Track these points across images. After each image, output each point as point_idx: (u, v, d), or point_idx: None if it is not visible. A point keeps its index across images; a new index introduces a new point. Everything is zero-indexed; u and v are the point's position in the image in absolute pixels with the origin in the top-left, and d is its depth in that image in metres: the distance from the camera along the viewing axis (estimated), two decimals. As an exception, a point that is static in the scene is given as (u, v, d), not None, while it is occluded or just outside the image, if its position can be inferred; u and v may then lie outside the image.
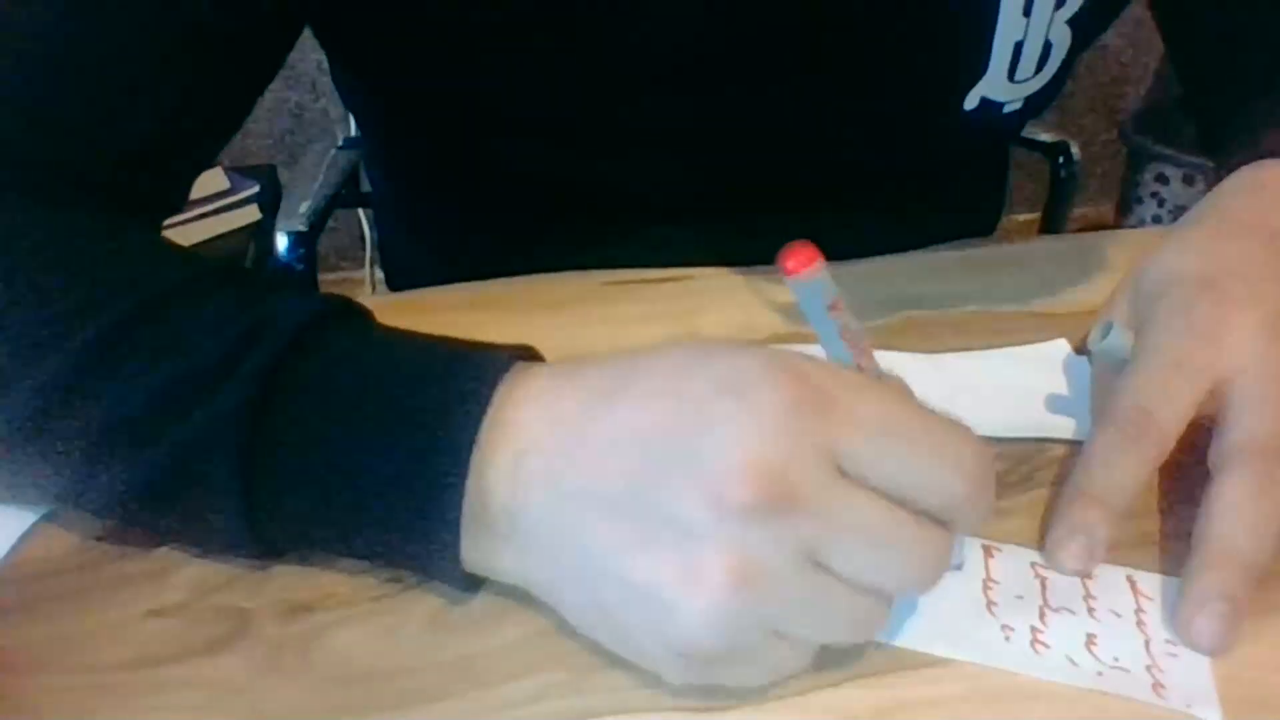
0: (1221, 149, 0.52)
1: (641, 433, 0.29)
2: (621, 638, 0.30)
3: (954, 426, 0.29)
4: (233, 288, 0.36)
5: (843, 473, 0.28)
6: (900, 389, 0.31)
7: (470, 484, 0.31)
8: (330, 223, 0.97)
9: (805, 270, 0.28)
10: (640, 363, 0.31)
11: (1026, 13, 0.48)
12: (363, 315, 0.36)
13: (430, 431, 0.31)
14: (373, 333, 0.35)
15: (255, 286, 0.36)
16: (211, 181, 1.42)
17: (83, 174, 0.42)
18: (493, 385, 0.31)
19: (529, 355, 0.34)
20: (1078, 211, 2.09)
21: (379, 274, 1.43)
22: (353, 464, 0.31)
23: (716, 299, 0.52)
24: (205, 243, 1.42)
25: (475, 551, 0.32)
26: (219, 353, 0.32)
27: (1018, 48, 0.50)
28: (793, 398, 0.28)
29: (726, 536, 0.27)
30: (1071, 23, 0.50)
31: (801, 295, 0.29)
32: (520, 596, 0.33)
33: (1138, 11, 0.60)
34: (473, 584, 0.33)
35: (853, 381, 0.29)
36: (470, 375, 0.32)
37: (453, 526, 0.31)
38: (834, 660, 0.31)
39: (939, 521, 0.29)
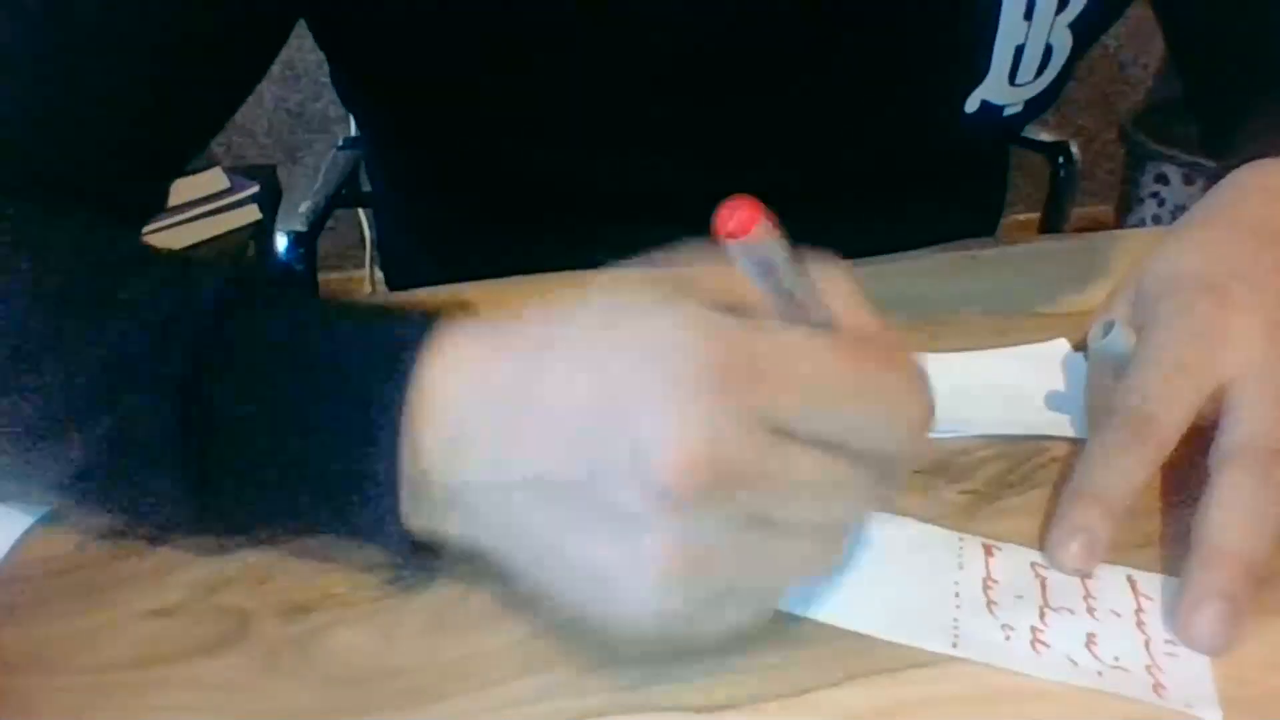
0: (1223, 148, 0.52)
1: (571, 415, 0.28)
2: (572, 608, 0.30)
3: (893, 368, 0.29)
4: (159, 273, 0.35)
5: (778, 434, 0.27)
6: (866, 327, 0.30)
7: (406, 457, 0.30)
8: (330, 223, 0.97)
9: (747, 235, 0.24)
10: (561, 328, 0.30)
11: (1028, 16, 0.48)
12: (282, 291, 0.35)
13: (356, 402, 0.31)
14: (293, 303, 0.34)
15: (183, 265, 0.36)
16: (211, 181, 1.42)
17: (61, 177, 0.42)
18: (415, 351, 0.31)
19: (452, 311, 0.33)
20: (1078, 211, 2.09)
21: (379, 274, 1.43)
22: (282, 442, 0.31)
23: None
24: (205, 243, 1.43)
25: (421, 519, 0.32)
26: (140, 344, 0.32)
27: (1019, 51, 0.50)
28: (716, 368, 0.27)
29: (669, 525, 0.27)
30: (1073, 26, 0.50)
31: (743, 262, 0.25)
32: (519, 596, 0.33)
33: (1138, 11, 0.60)
34: (424, 550, 0.33)
35: (779, 340, 0.28)
36: (393, 343, 0.31)
37: (389, 498, 0.31)
38: (834, 660, 0.31)
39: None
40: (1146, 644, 0.32)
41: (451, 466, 0.30)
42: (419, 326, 0.31)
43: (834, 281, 0.30)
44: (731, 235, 0.24)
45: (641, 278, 0.30)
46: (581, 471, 0.28)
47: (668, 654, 0.31)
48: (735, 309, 0.29)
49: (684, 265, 0.30)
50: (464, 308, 0.33)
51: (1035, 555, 0.35)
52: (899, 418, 0.29)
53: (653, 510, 0.27)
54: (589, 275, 0.55)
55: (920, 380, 0.29)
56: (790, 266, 0.27)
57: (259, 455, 0.32)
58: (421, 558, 0.33)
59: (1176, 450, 0.36)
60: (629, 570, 0.27)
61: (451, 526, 0.32)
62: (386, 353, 0.31)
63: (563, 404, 0.29)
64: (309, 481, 0.32)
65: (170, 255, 0.37)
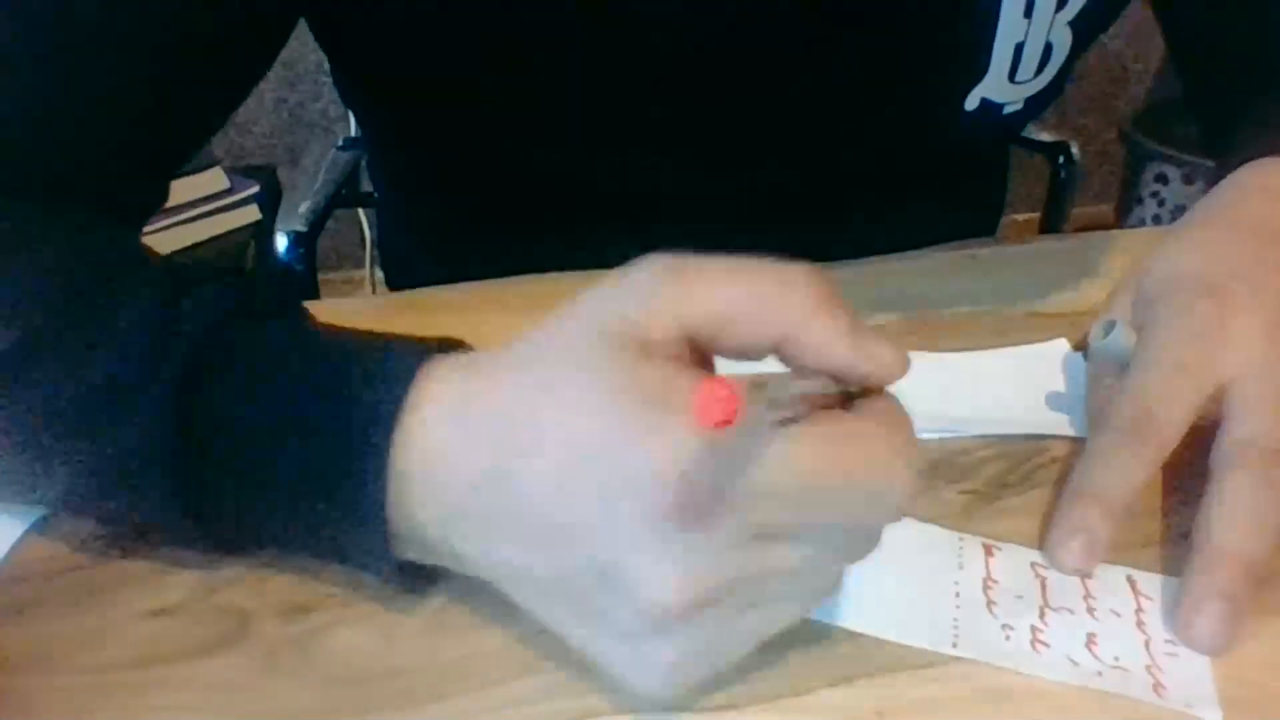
0: (1223, 148, 0.52)
1: (551, 525, 0.28)
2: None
3: (873, 458, 0.27)
4: (156, 282, 0.35)
5: (759, 536, 0.27)
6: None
7: (401, 522, 0.30)
8: (330, 223, 0.97)
9: (734, 420, 0.22)
10: (536, 426, 0.28)
11: (1028, 14, 0.48)
12: (280, 310, 0.35)
13: (337, 464, 0.30)
14: (284, 332, 0.34)
15: (180, 280, 0.35)
16: (211, 181, 1.42)
17: (61, 176, 0.42)
18: (398, 402, 0.30)
19: (446, 345, 0.33)
20: (1078, 211, 2.09)
21: (379, 274, 1.43)
22: (271, 475, 0.31)
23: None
24: (205, 243, 1.42)
25: (419, 558, 0.32)
26: (137, 356, 0.32)
27: (1018, 49, 0.50)
28: (689, 507, 0.26)
29: (666, 636, 0.27)
30: (1073, 24, 0.50)
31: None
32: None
33: (1138, 11, 0.60)
34: (420, 585, 0.33)
35: (758, 458, 0.26)
36: (376, 391, 0.31)
37: (379, 542, 0.31)
38: (834, 660, 0.31)
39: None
40: (1146, 644, 0.32)
41: (444, 537, 0.30)
42: (401, 378, 0.31)
43: (815, 341, 0.29)
44: (718, 426, 0.23)
45: (614, 367, 0.28)
46: (568, 579, 0.28)
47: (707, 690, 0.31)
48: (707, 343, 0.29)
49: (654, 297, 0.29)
50: (449, 343, 0.33)
51: (1035, 555, 0.35)
52: (877, 503, 0.28)
53: (648, 625, 0.27)
54: (588, 275, 0.55)
55: (900, 450, 0.28)
56: (769, 387, 0.26)
57: (245, 492, 0.32)
58: (413, 582, 0.33)
59: (1177, 450, 0.36)
60: (630, 666, 0.28)
61: (450, 567, 0.32)
62: (368, 404, 0.30)
63: (539, 512, 0.28)
64: (300, 505, 0.32)
65: (168, 266, 0.37)
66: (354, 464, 0.30)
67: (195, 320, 0.32)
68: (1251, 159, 0.46)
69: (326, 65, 0.57)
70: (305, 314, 0.36)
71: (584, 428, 0.27)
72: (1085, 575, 0.34)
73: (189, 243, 1.41)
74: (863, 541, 0.29)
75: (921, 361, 0.46)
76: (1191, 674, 0.31)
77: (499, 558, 0.29)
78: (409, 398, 0.30)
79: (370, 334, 0.33)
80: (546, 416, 0.28)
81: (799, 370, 0.29)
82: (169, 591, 0.34)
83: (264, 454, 0.31)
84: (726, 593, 0.27)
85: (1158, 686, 0.31)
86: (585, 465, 0.27)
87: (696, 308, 0.28)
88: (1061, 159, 1.09)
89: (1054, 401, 0.44)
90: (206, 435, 0.31)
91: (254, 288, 0.35)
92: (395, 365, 0.31)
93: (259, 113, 1.81)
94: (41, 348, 0.33)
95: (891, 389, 0.30)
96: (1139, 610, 0.33)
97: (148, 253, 0.38)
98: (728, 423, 0.22)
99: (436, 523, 0.30)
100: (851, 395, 0.29)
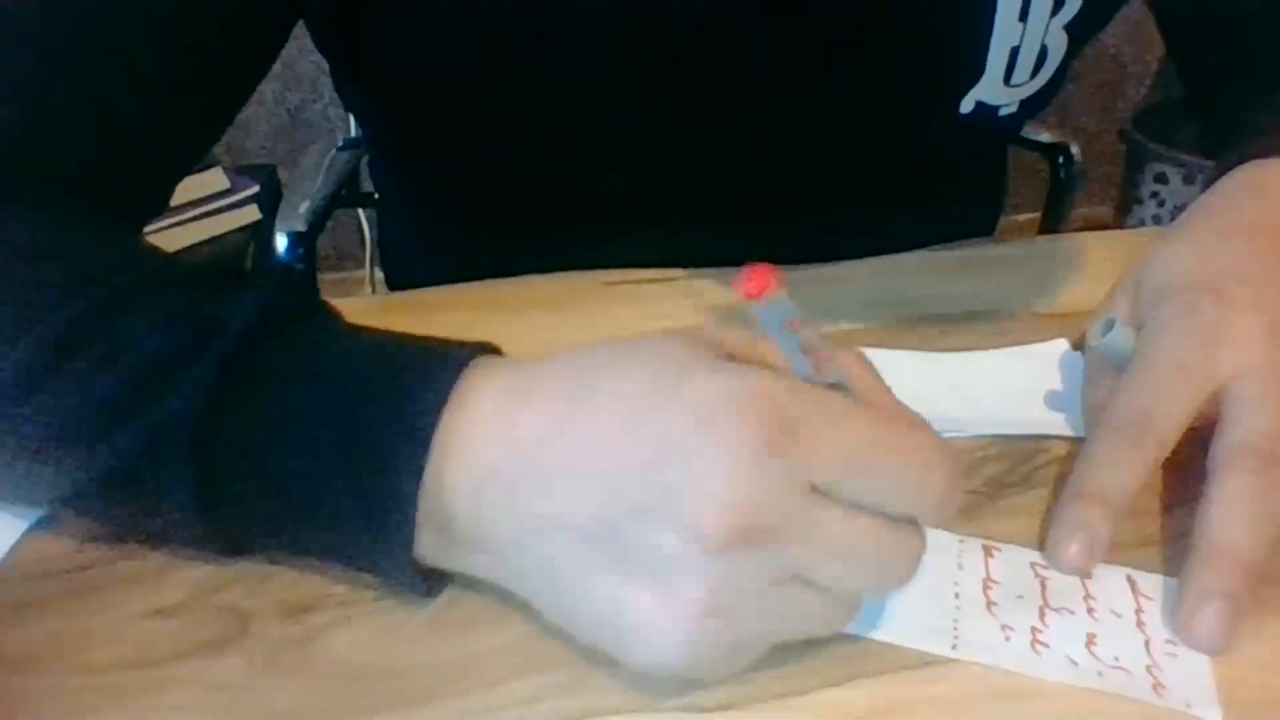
0: (1222, 148, 0.52)
1: (608, 465, 0.28)
2: (595, 644, 0.30)
3: (921, 434, 0.29)
4: (189, 285, 0.35)
5: (816, 493, 0.28)
6: (870, 391, 0.31)
7: (430, 498, 0.30)
8: (330, 223, 0.97)
9: (765, 293, 0.27)
10: (600, 380, 0.30)
11: (1023, 18, 0.48)
12: (317, 314, 0.36)
13: (379, 443, 0.31)
14: (323, 334, 0.34)
15: (213, 284, 0.35)
16: (211, 181, 1.42)
17: (68, 176, 0.42)
18: (444, 396, 0.31)
19: (487, 350, 0.34)
20: (1078, 211, 2.09)
21: (379, 274, 1.43)
22: (297, 477, 0.31)
23: (716, 299, 0.52)
24: (205, 243, 1.43)
25: (444, 559, 0.32)
26: (170, 354, 0.32)
27: (1014, 52, 0.50)
28: (762, 431, 0.27)
29: (705, 569, 0.27)
30: (1068, 28, 0.50)
31: (762, 317, 0.28)
32: (520, 597, 0.33)
33: (1138, 12, 0.60)
34: (434, 589, 0.33)
35: (821, 404, 0.28)
36: (420, 386, 0.31)
37: (403, 546, 0.31)
38: (834, 660, 0.31)
39: (910, 520, 0.30)
40: (1146, 644, 0.32)
41: (475, 512, 0.30)
42: (445, 376, 0.31)
43: (846, 356, 0.31)
44: (752, 295, 0.27)
45: (688, 340, 0.30)
46: (613, 517, 0.28)
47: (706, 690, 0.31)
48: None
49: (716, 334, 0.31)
50: (488, 347, 0.34)
51: (1035, 555, 0.35)
52: (929, 483, 0.29)
53: (691, 554, 0.27)
54: (589, 275, 0.55)
55: (944, 449, 0.29)
56: (805, 328, 0.28)
57: (268, 495, 0.32)
58: (420, 586, 0.33)
59: (1176, 450, 0.36)
60: (657, 614, 0.28)
61: (478, 565, 0.32)
62: (411, 400, 0.31)
63: (595, 456, 0.29)
64: (321, 525, 0.32)
65: (194, 272, 0.37)
66: (394, 441, 0.30)
67: (239, 316, 0.33)
68: (1250, 158, 0.46)
69: (327, 66, 0.57)
70: (338, 314, 0.36)
71: (667, 357, 0.29)
72: (1085, 575, 0.34)
73: (189, 243, 1.41)
74: (899, 544, 0.29)
75: (922, 361, 0.46)
76: (1191, 674, 0.31)
77: (531, 511, 0.29)
78: (457, 389, 0.31)
79: (408, 336, 0.34)
80: (621, 366, 0.30)
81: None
82: (169, 591, 0.34)
83: (298, 443, 0.31)
84: (771, 536, 0.27)
85: (1158, 687, 0.31)
86: (661, 409, 0.28)
87: (770, 356, 0.31)
88: (1061, 159, 1.09)
89: (1054, 401, 0.44)
90: (224, 455, 0.31)
91: (284, 292, 0.35)
92: (443, 358, 0.32)
93: (259, 113, 1.81)
94: (76, 343, 0.33)
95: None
96: (1139, 610, 0.33)
97: (172, 264, 0.38)
98: (763, 289, 0.26)
99: (467, 490, 0.30)
100: None
